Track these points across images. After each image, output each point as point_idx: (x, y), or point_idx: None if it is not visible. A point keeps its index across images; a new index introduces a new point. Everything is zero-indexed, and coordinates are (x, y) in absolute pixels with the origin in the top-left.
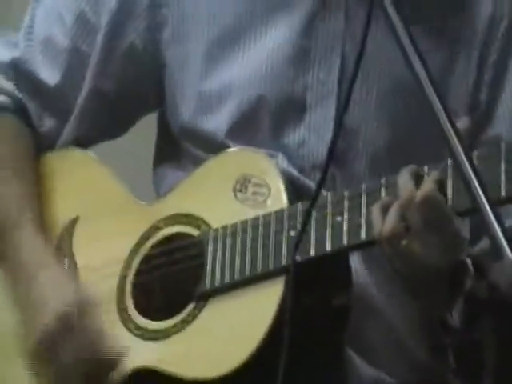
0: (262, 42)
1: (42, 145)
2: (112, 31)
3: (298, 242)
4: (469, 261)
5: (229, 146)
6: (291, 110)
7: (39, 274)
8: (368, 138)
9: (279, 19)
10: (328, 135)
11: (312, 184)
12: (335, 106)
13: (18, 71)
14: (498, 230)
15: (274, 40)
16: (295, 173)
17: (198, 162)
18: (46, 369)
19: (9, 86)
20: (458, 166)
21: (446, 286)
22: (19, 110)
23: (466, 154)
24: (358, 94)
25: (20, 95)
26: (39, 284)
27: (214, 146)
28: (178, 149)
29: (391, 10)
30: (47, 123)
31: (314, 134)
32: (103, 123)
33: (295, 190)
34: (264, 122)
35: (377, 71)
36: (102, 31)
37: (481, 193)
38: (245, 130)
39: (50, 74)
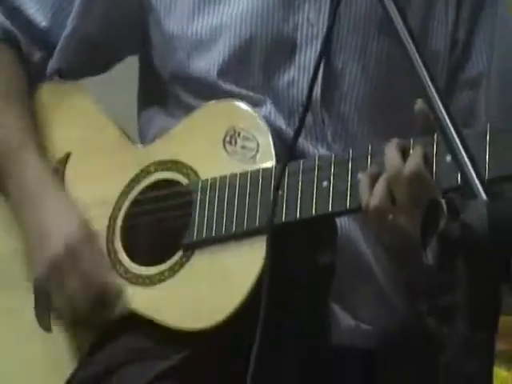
0: None
1: (33, 75)
2: None
3: (275, 203)
4: (443, 201)
5: (220, 87)
6: (282, 50)
7: (45, 198)
8: (353, 81)
9: None
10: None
11: (302, 145)
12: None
13: (8, 7)
14: (472, 170)
15: None
16: (284, 125)
17: (187, 108)
18: (56, 294)
19: (3, 22)
20: (443, 130)
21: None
22: (11, 41)
23: (449, 117)
24: (344, 37)
25: (11, 27)
26: (46, 207)
27: (206, 88)
28: (166, 94)
29: None
30: (36, 55)
31: (303, 74)
32: (84, 60)
33: (283, 145)
34: (255, 62)
35: (363, 15)
36: None
37: (456, 139)
38: (236, 70)
39: (39, 13)
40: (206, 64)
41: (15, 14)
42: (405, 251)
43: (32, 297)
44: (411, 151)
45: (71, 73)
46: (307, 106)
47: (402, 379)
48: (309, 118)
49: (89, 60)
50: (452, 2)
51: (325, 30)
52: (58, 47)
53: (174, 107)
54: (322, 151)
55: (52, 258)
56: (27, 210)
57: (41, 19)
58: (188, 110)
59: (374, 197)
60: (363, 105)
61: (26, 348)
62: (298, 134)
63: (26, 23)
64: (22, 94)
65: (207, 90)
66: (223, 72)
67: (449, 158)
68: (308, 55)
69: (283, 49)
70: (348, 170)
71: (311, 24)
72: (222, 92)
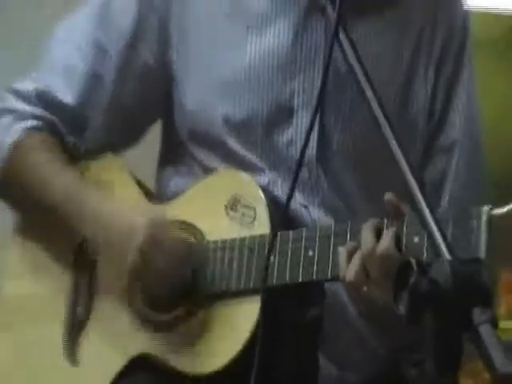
0: (255, 50)
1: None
2: (125, 52)
3: (266, 270)
4: (413, 260)
5: (228, 147)
6: (281, 113)
7: (122, 211)
8: (341, 141)
9: (270, 29)
10: (312, 136)
11: (295, 209)
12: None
13: (45, 99)
14: (437, 234)
15: (265, 48)
16: (279, 194)
17: (200, 166)
18: (145, 276)
19: (38, 111)
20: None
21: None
22: (52, 129)
23: (422, 195)
24: (334, 104)
25: (52, 117)
26: (118, 221)
27: (216, 146)
28: (184, 153)
29: (346, 42)
30: (70, 139)
31: (300, 135)
32: (118, 135)
33: (279, 212)
34: (257, 122)
35: (349, 87)
36: (117, 53)
37: (424, 205)
38: (241, 130)
39: (70, 97)
40: (215, 125)
41: (51, 103)
42: (379, 316)
43: (56, 335)
44: (385, 231)
45: (112, 148)
46: (299, 165)
47: None
48: (305, 173)
49: (121, 133)
50: (431, 72)
51: (316, 97)
52: (95, 127)
53: (189, 166)
54: (317, 203)
55: (139, 248)
56: (104, 227)
57: (72, 101)
58: (201, 167)
59: (349, 270)
60: (351, 161)
61: (51, 379)
62: (291, 193)
63: (60, 109)
64: (68, 166)
65: (218, 149)
66: (230, 131)
67: (416, 239)
68: (303, 118)
69: (282, 113)
70: (330, 243)
71: (306, 91)
72: (229, 152)
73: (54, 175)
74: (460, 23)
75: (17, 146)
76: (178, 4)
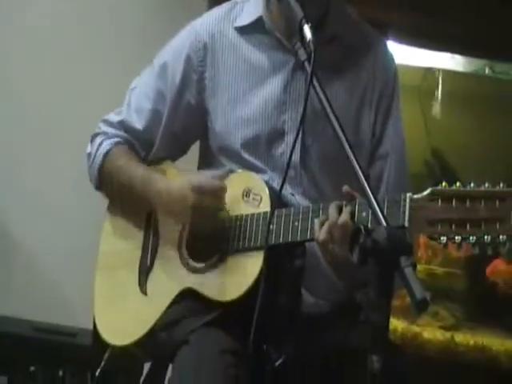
0: (260, 95)
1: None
2: (176, 97)
3: (268, 235)
4: (361, 226)
5: (243, 157)
6: (277, 135)
7: (173, 189)
8: (317, 152)
9: (269, 81)
10: (297, 149)
11: (286, 195)
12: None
13: (125, 126)
14: (378, 210)
15: (267, 94)
16: (277, 185)
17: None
18: (198, 215)
19: (121, 133)
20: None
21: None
22: (129, 144)
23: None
24: (312, 128)
25: (130, 138)
26: (177, 190)
27: (236, 157)
28: (214, 161)
29: (319, 89)
30: (142, 153)
31: (288, 148)
32: (173, 149)
33: (276, 197)
34: (262, 142)
35: (321, 118)
36: (171, 97)
37: (371, 197)
38: (252, 147)
39: (140, 126)
40: (235, 143)
41: (129, 129)
42: (338, 265)
43: (135, 276)
44: (344, 209)
45: (166, 158)
46: (288, 167)
47: (340, 328)
48: (292, 173)
49: (175, 149)
50: (373, 108)
51: (299, 124)
52: (156, 145)
53: (218, 169)
54: (300, 192)
55: (190, 204)
56: (165, 194)
57: (142, 128)
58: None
59: (321, 233)
60: (324, 165)
61: (128, 303)
62: (283, 184)
63: (135, 134)
64: (143, 164)
65: (237, 159)
66: (244, 147)
67: (364, 213)
68: (291, 138)
69: (277, 135)
70: (309, 216)
71: (293, 120)
72: (244, 160)
73: (133, 170)
74: (391, 79)
75: (107, 155)
76: (210, 66)
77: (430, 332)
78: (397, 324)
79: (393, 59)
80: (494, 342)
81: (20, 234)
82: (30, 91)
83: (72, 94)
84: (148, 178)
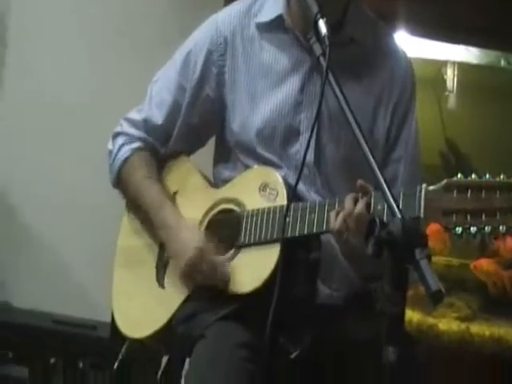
0: (278, 94)
1: (161, 159)
2: (196, 89)
3: (285, 227)
4: (377, 218)
5: (259, 153)
6: (292, 133)
7: (181, 231)
8: (331, 152)
9: (287, 81)
10: (311, 148)
11: (301, 189)
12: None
13: (146, 125)
14: (392, 202)
15: (284, 93)
16: (292, 181)
17: (242, 164)
18: (193, 279)
19: (142, 135)
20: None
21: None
22: (150, 147)
23: (385, 182)
24: (326, 126)
25: (150, 139)
26: (181, 237)
27: (252, 152)
28: (230, 155)
29: (334, 84)
30: (162, 150)
31: (303, 147)
32: (190, 142)
33: (292, 192)
34: (278, 139)
35: (337, 115)
36: (190, 90)
37: (387, 190)
38: (267, 143)
39: (161, 119)
40: (252, 139)
41: (151, 128)
42: (355, 254)
43: (153, 271)
44: (359, 200)
45: (184, 151)
46: (302, 166)
47: (355, 319)
48: (306, 171)
49: (193, 141)
50: (390, 110)
51: (313, 122)
52: (174, 137)
53: (234, 163)
54: (314, 191)
55: (188, 260)
56: (171, 238)
57: (162, 122)
58: (243, 165)
59: (336, 223)
60: (337, 166)
61: (146, 297)
62: (297, 181)
63: (157, 131)
64: (157, 175)
65: (252, 154)
66: (260, 143)
67: (379, 206)
68: (306, 137)
69: (292, 132)
70: (325, 209)
71: (308, 120)
72: (260, 156)
73: (144, 190)
74: (409, 85)
75: (127, 161)
76: (230, 61)
77: (446, 323)
78: (412, 315)
79: (411, 64)
80: (510, 332)
81: (43, 229)
82: (54, 90)
83: (93, 93)
84: (156, 207)
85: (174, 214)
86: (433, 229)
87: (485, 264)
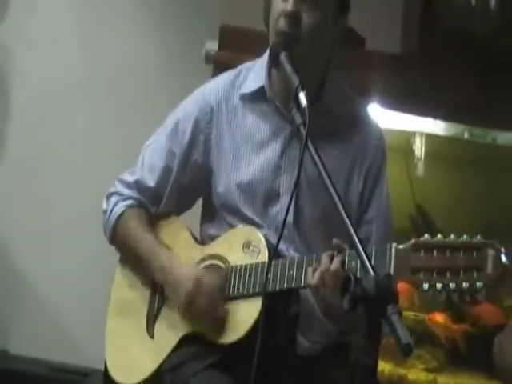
0: (259, 159)
1: (153, 218)
2: (185, 155)
3: (266, 282)
4: (351, 275)
5: (242, 213)
6: (272, 195)
7: (178, 269)
8: (309, 213)
9: (268, 147)
10: (291, 210)
11: (281, 248)
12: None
13: (138, 186)
14: (366, 260)
15: (265, 158)
16: (273, 240)
17: (227, 223)
18: (190, 311)
19: (134, 194)
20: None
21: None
22: (142, 206)
23: (359, 240)
24: (304, 190)
25: (142, 198)
26: (179, 273)
27: (236, 213)
28: (216, 215)
29: (313, 151)
30: (153, 209)
31: (283, 209)
32: (180, 203)
33: (273, 251)
34: (259, 200)
35: (315, 180)
36: (179, 155)
37: (361, 248)
38: (249, 203)
39: (153, 183)
40: (235, 199)
41: (143, 188)
42: (330, 310)
43: (143, 321)
44: (335, 257)
45: (173, 210)
46: (283, 228)
47: (333, 370)
48: (285, 232)
49: (182, 202)
50: (363, 175)
51: (293, 186)
52: (165, 199)
53: (220, 223)
54: (293, 249)
55: (187, 295)
56: (169, 279)
57: (154, 185)
58: (227, 223)
59: (313, 280)
60: (315, 225)
61: (136, 346)
62: (278, 241)
63: (148, 192)
64: (150, 227)
65: (237, 213)
66: (243, 203)
67: (353, 263)
68: (285, 199)
69: (273, 195)
70: (303, 266)
71: (288, 184)
72: (243, 215)
73: (139, 239)
74: (380, 152)
75: (120, 217)
76: (216, 129)
77: (414, 373)
78: (384, 366)
79: (382, 134)
80: None
81: (39, 279)
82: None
83: (84, 140)
84: (152, 252)
85: (171, 256)
86: (402, 287)
87: (438, 317)
